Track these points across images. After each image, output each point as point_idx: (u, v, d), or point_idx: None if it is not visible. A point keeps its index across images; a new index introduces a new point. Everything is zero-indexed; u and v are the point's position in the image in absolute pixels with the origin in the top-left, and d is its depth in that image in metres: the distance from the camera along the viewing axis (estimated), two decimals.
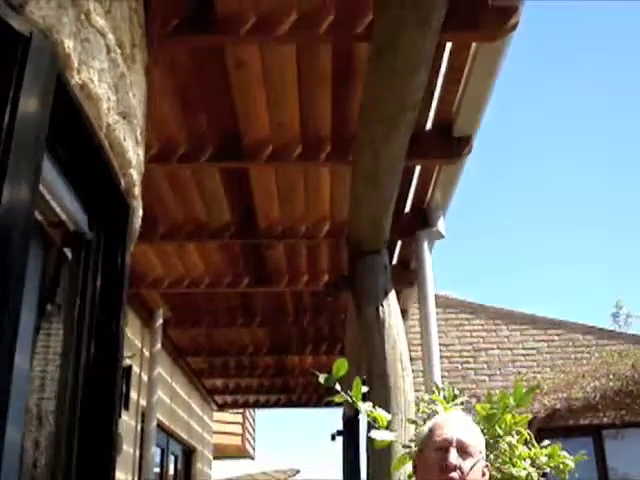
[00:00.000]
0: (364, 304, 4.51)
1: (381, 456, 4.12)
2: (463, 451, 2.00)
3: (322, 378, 3.14)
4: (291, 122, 3.74)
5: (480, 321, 9.78)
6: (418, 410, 3.37)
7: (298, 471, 16.03)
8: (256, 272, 5.79)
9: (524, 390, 3.05)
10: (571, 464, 3.20)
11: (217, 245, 5.25)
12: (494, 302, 10.02)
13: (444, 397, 3.59)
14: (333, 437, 11.40)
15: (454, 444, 2.01)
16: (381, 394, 4.17)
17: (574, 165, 58.48)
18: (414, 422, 3.44)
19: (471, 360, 9.48)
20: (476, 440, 2.07)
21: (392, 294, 4.54)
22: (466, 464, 1.98)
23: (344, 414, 11.07)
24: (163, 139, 3.76)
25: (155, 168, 3.85)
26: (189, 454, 9.20)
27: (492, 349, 9.57)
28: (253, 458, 15.64)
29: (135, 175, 2.49)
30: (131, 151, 2.38)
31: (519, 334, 9.68)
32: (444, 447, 2.01)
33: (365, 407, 3.23)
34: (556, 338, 9.61)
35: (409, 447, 3.54)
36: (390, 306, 4.47)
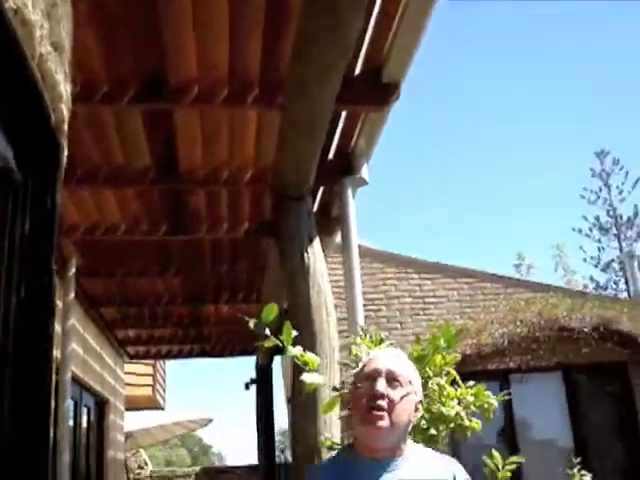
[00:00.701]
0: (289, 250, 4.49)
1: (306, 402, 4.16)
2: (393, 380, 2.02)
3: (252, 323, 3.12)
4: (220, 63, 3.63)
5: (392, 270, 9.93)
6: (350, 353, 3.40)
7: (211, 420, 16.07)
8: (174, 219, 5.66)
9: (454, 331, 3.13)
10: (495, 404, 3.31)
11: (135, 190, 5.09)
12: (405, 251, 10.21)
13: (371, 340, 3.65)
14: (247, 386, 11.49)
15: (383, 374, 2.02)
16: (306, 339, 4.18)
17: (494, 116, 59.78)
18: (345, 364, 3.48)
19: (384, 308, 9.64)
20: (407, 371, 2.08)
21: (316, 240, 4.54)
22: (395, 393, 2.00)
23: (257, 363, 11.14)
24: (85, 77, 3.58)
25: (74, 107, 3.67)
26: (102, 406, 9.06)
27: (404, 297, 9.75)
28: (163, 409, 15.61)
29: (65, 111, 2.36)
30: (62, 85, 2.25)
31: (430, 282, 9.88)
32: (373, 376, 2.03)
33: (295, 351, 3.24)
34: (466, 286, 9.87)
35: (338, 390, 3.59)
36: (315, 252, 4.47)
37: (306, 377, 3.15)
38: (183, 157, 4.63)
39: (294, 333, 3.19)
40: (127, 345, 10.23)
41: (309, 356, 3.23)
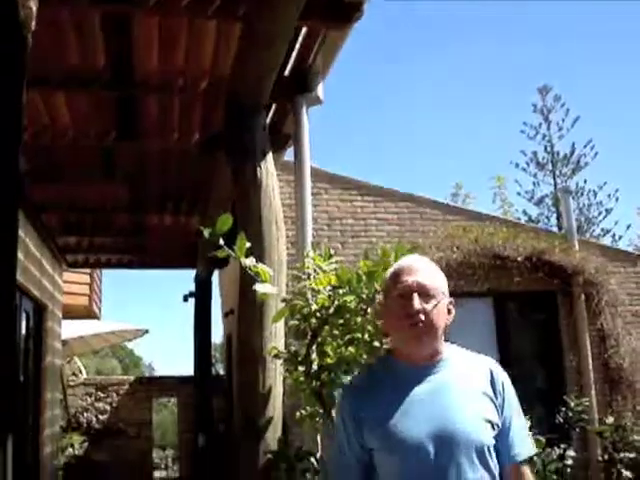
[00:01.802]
0: (242, 164, 4.50)
1: (253, 313, 4.26)
2: (425, 294, 2.11)
3: (206, 232, 3.19)
4: None
5: (336, 191, 10.00)
6: (303, 265, 3.50)
7: (147, 331, 16.15)
8: (124, 125, 5.58)
9: (406, 248, 3.24)
10: None
11: (87, 94, 4.99)
12: (349, 173, 10.26)
13: (320, 255, 3.76)
14: (185, 298, 11.54)
15: (415, 289, 2.12)
16: (256, 253, 4.26)
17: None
18: (298, 277, 3.58)
19: (325, 228, 9.74)
20: (437, 281, 2.17)
21: (269, 156, 4.57)
22: (430, 305, 2.11)
23: (197, 275, 11.20)
24: None
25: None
26: (40, 312, 9.04)
27: (346, 218, 9.86)
28: (99, 319, 15.61)
29: (34, 8, 2.33)
30: None
31: (372, 205, 10.00)
32: (406, 293, 2.12)
33: (248, 262, 3.32)
34: (406, 211, 10.01)
35: (287, 301, 3.70)
36: (267, 168, 4.50)
37: (259, 287, 3.25)
38: (138, 63, 4.56)
39: (248, 244, 3.27)
40: (67, 252, 10.14)
41: (262, 267, 3.32)
